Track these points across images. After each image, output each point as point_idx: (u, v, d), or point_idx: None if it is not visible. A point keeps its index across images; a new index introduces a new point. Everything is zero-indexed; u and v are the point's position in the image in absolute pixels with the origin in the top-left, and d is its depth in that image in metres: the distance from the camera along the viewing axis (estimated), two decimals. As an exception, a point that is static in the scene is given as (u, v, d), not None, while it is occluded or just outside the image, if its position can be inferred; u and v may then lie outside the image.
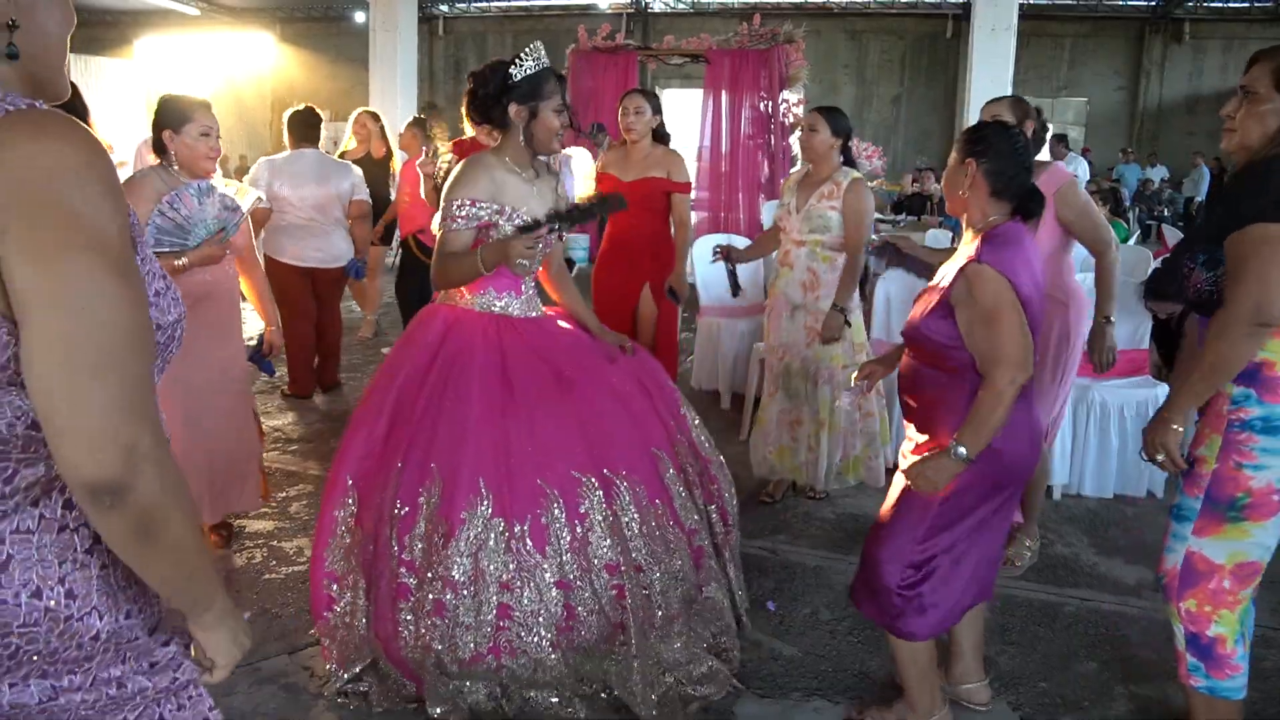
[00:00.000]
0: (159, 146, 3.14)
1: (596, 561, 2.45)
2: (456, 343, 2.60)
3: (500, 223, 2.62)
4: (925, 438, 2.32)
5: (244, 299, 3.57)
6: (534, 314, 2.76)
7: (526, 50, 2.63)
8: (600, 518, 2.47)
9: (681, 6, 18.29)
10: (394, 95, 10.70)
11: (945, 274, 2.30)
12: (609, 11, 18.38)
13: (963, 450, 2.12)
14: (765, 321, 4.12)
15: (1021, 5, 8.99)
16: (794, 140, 10.91)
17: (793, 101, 10.59)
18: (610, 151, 4.52)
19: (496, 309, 2.67)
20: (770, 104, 10.65)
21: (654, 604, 2.54)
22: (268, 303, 3.57)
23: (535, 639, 2.37)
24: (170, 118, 3.10)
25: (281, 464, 4.37)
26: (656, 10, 18.49)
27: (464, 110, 2.71)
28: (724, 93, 10.86)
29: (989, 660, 2.77)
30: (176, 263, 2.99)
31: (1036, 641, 3.00)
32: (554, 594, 2.39)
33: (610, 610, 2.46)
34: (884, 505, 2.41)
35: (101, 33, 21.09)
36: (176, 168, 3.12)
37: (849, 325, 3.82)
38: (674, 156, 4.33)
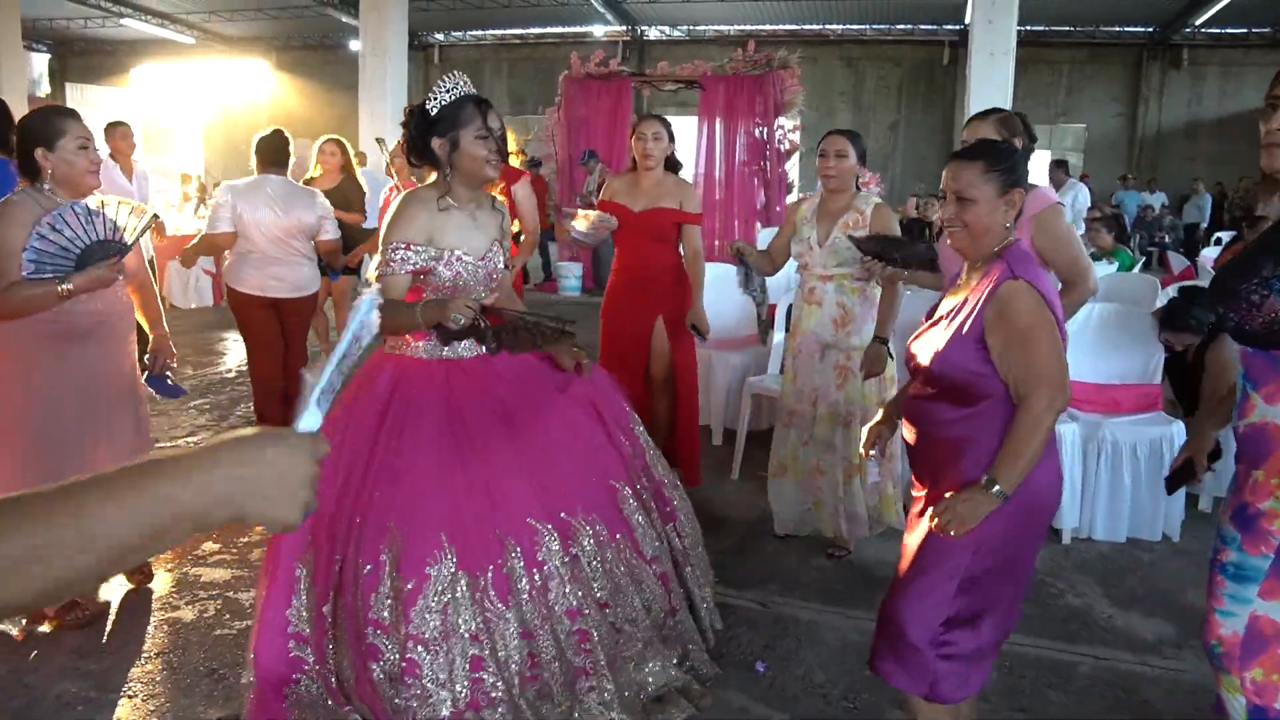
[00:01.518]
0: (29, 168, 2.91)
1: (557, 608, 2.38)
2: (406, 395, 2.47)
3: (438, 268, 2.48)
4: (935, 485, 2.12)
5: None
6: (481, 352, 2.59)
7: (442, 80, 2.49)
8: (558, 564, 2.40)
9: (677, 34, 18.24)
10: (384, 120, 10.56)
11: (957, 302, 2.12)
12: (605, 39, 18.34)
13: (999, 486, 1.94)
14: (788, 364, 3.83)
15: (1019, 31, 8.87)
16: (789, 167, 10.85)
17: (788, 128, 10.49)
18: (617, 180, 4.35)
19: (444, 353, 2.54)
20: (766, 130, 10.54)
21: (624, 636, 2.50)
22: (158, 322, 3.37)
23: (506, 687, 2.29)
24: (39, 135, 2.88)
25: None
26: (652, 38, 18.45)
27: (404, 157, 2.57)
28: (718, 119, 10.75)
29: (998, 729, 2.53)
30: (60, 288, 2.78)
31: (1049, 705, 2.76)
32: (517, 643, 2.32)
33: (573, 655, 2.39)
34: (904, 557, 2.18)
35: (98, 62, 21.07)
36: (50, 187, 2.90)
37: (891, 358, 3.60)
38: (686, 187, 4.20)
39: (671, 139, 4.17)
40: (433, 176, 2.58)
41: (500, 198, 2.72)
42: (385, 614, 2.28)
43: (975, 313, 2.04)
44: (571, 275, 11.76)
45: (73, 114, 3.00)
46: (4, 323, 2.93)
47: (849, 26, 17.13)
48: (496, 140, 2.48)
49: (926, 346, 2.14)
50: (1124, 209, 14.46)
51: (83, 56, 21.32)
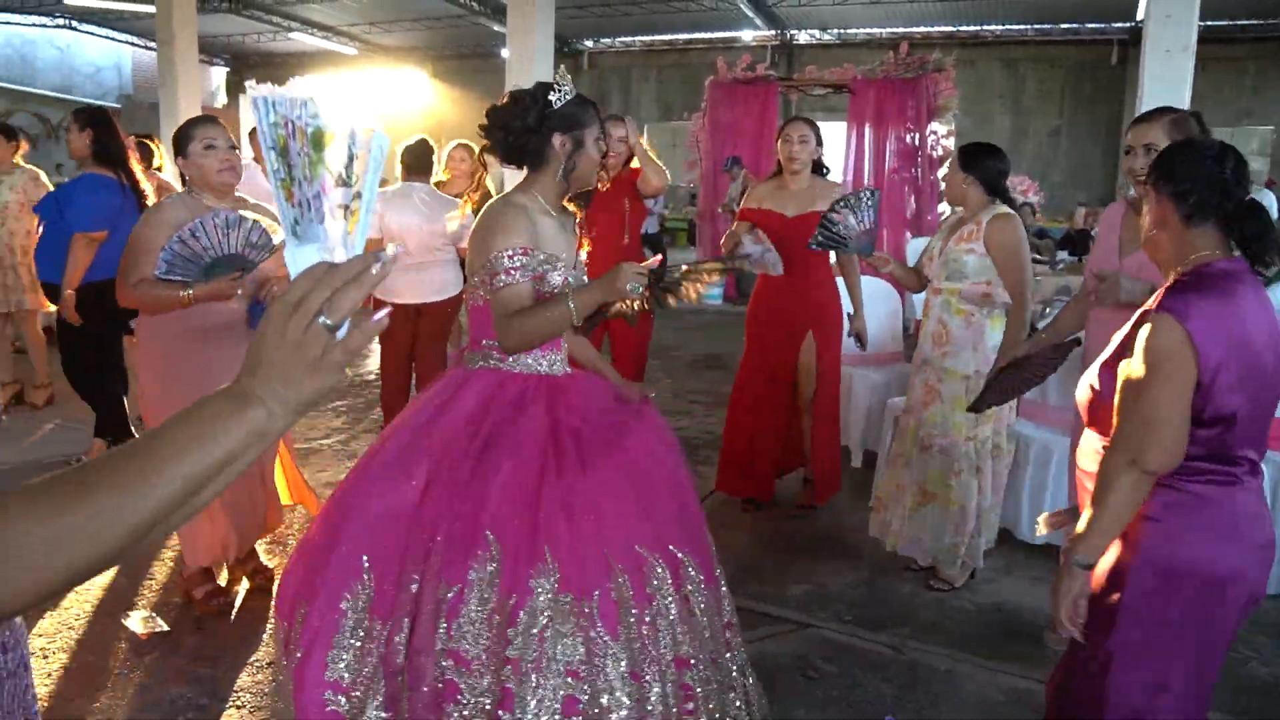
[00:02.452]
0: (182, 177, 3.15)
1: (666, 653, 2.07)
2: (503, 408, 2.24)
3: (550, 274, 2.27)
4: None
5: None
6: (568, 370, 2.42)
7: (559, 76, 2.31)
8: (669, 602, 2.10)
9: (828, 38, 17.80)
10: (529, 129, 10.64)
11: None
12: (753, 44, 18.08)
13: (1077, 554, 1.74)
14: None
15: (1200, 25, 8.18)
16: (942, 174, 10.36)
17: (941, 133, 10.02)
18: (762, 185, 4.23)
19: (542, 369, 2.33)
20: (917, 136, 10.11)
21: (716, 701, 2.16)
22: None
23: None
24: (177, 146, 3.08)
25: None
26: (802, 42, 18.08)
27: (487, 149, 2.37)
28: (868, 124, 10.37)
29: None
30: (183, 293, 2.89)
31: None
32: (623, 684, 2.00)
33: (675, 712, 2.07)
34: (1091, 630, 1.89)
35: (269, 74, 22.22)
36: (192, 193, 3.09)
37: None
38: (837, 189, 4.01)
39: (819, 142, 4.00)
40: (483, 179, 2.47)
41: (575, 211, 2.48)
42: (469, 645, 1.98)
43: (1122, 339, 1.81)
44: (714, 284, 11.57)
45: (203, 120, 3.11)
46: (149, 319, 3.09)
47: (1009, 27, 16.31)
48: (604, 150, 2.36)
49: (1105, 378, 1.88)
50: (1316, 219, 13.23)
51: (256, 69, 22.54)
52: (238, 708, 2.68)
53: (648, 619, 2.07)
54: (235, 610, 3.24)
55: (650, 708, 2.02)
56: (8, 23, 17.96)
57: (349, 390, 6.47)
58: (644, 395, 2.50)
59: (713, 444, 5.09)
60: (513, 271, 2.21)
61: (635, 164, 4.43)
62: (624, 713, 1.99)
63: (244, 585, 3.38)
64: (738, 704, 2.23)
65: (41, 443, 5.16)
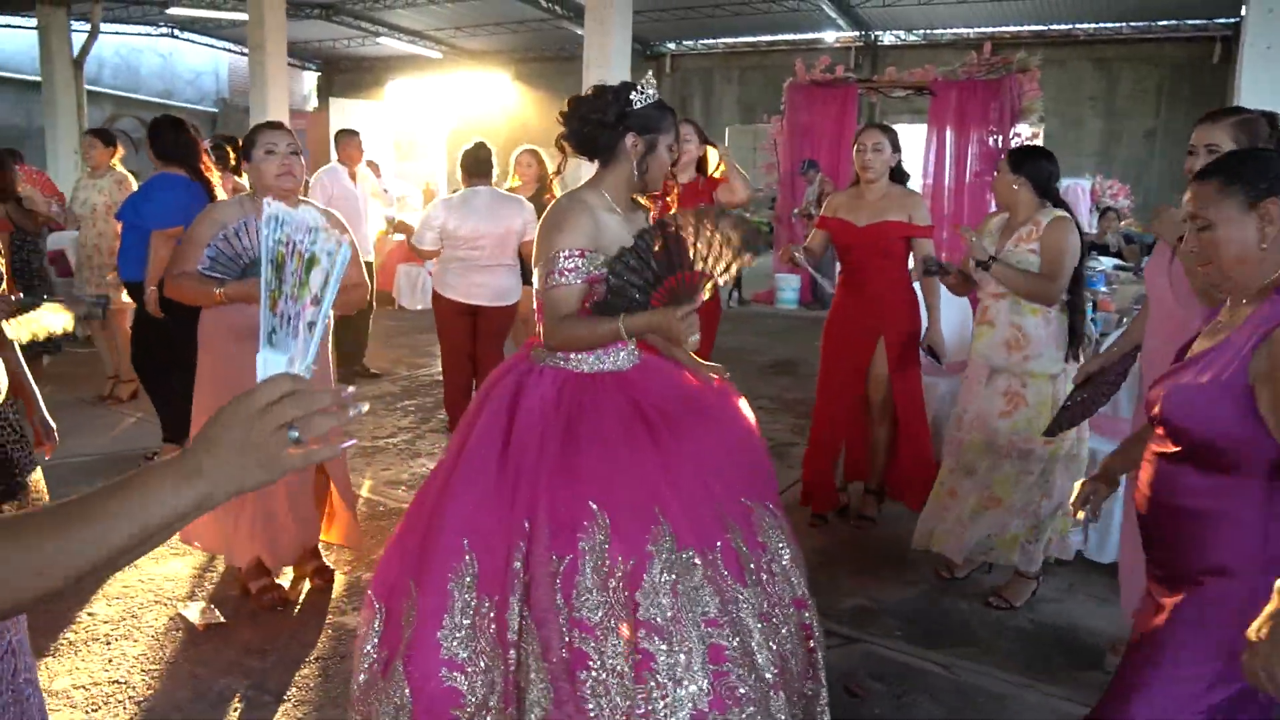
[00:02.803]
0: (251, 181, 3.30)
1: (785, 594, 2.20)
2: (575, 396, 2.24)
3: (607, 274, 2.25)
4: (1169, 571, 1.73)
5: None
6: (637, 360, 2.40)
7: (646, 81, 2.33)
8: (780, 545, 2.24)
9: (913, 39, 17.49)
10: (605, 131, 10.70)
11: (1215, 344, 1.68)
12: (836, 46, 17.87)
13: None
14: (961, 388, 3.64)
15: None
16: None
17: (1026, 136, 9.73)
18: (841, 193, 4.20)
19: (606, 367, 2.31)
20: (1000, 138, 9.83)
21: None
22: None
23: (754, 682, 2.01)
24: (244, 151, 3.20)
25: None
26: (886, 44, 17.79)
27: (564, 138, 2.36)
28: (948, 127, 10.13)
29: None
30: (217, 291, 3.01)
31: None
32: (760, 627, 2.09)
33: (803, 650, 2.22)
34: (1133, 648, 1.79)
35: (357, 78, 22.82)
36: (253, 196, 3.22)
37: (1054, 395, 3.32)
38: (913, 197, 3.99)
39: (895, 149, 3.92)
40: (560, 175, 2.49)
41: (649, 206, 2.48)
42: (591, 612, 1.98)
43: (1239, 359, 1.61)
44: (789, 288, 11.49)
45: (267, 126, 3.20)
46: (206, 316, 3.23)
47: (1102, 25, 15.77)
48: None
49: (1173, 394, 1.70)
50: None
51: (345, 73, 23.15)
52: (282, 700, 2.73)
53: (765, 564, 2.18)
54: (297, 608, 3.31)
55: (786, 649, 2.14)
56: (115, 32, 18.75)
57: (417, 390, 6.58)
58: (720, 375, 2.49)
59: (774, 450, 5.03)
60: (567, 273, 2.20)
61: (714, 173, 4.39)
62: (766, 654, 2.07)
63: (306, 586, 3.45)
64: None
65: (122, 437, 5.36)
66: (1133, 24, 15.61)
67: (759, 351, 8.43)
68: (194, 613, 3.22)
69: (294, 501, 3.25)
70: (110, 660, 2.93)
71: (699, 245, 2.17)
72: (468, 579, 2.08)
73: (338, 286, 0.95)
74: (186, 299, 3.14)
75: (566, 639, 1.98)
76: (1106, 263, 7.78)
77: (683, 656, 1.94)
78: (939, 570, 3.68)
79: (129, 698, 2.73)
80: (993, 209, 10.60)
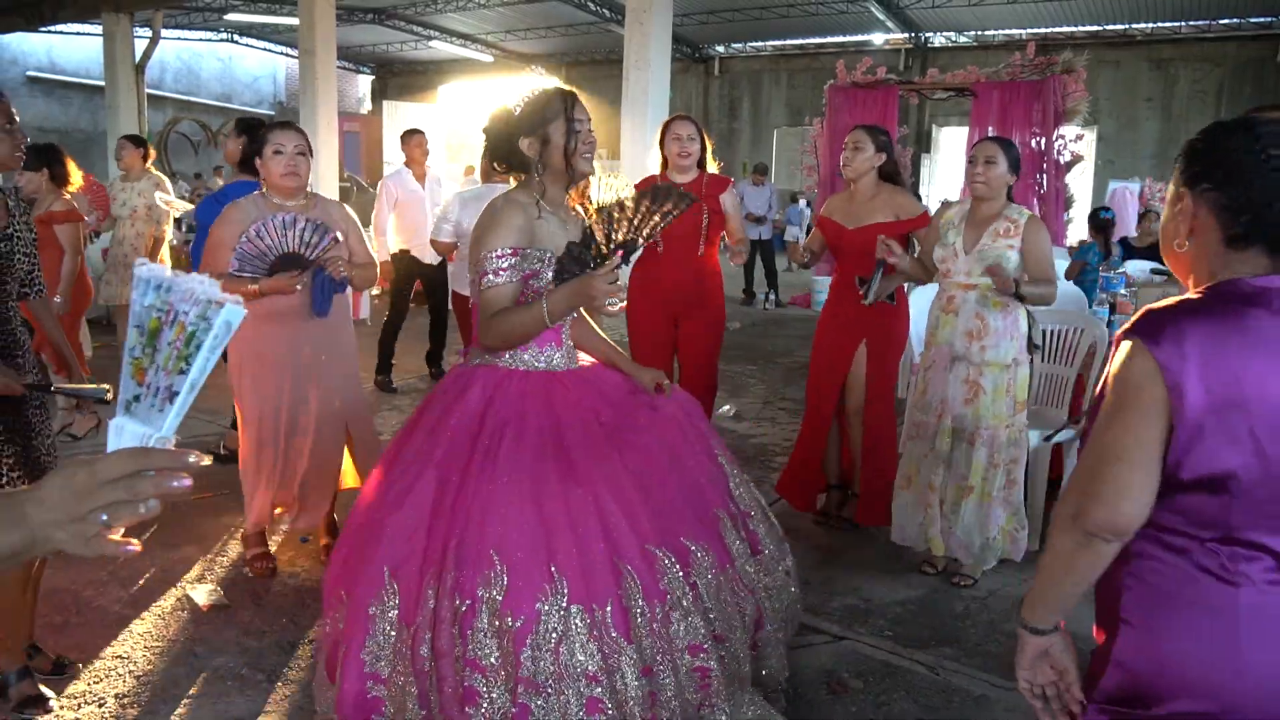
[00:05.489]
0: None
1: (679, 642, 2.21)
2: (503, 409, 2.30)
3: (545, 272, 2.32)
4: (1099, 632, 1.55)
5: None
6: (574, 364, 2.47)
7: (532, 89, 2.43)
8: (680, 593, 2.23)
9: (963, 40, 17.29)
10: (644, 133, 10.75)
11: None
12: (885, 48, 17.74)
13: (1025, 619, 1.48)
14: (920, 375, 3.70)
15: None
16: (1070, 179, 9.91)
17: (1070, 137, 9.58)
18: (837, 196, 4.18)
19: (540, 365, 2.39)
20: (1044, 140, 9.69)
21: (729, 674, 2.32)
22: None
23: None
24: (257, 149, 3.31)
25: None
26: (936, 45, 17.61)
27: (490, 164, 2.47)
28: (990, 128, 10.01)
29: None
30: (251, 287, 3.15)
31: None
32: (639, 682, 2.12)
33: (692, 693, 2.22)
34: None
35: (411, 81, 23.20)
36: (264, 194, 3.33)
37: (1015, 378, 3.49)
38: (900, 194, 3.96)
39: (880, 149, 3.89)
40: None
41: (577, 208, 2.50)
42: (485, 654, 2.09)
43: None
44: (825, 288, 11.42)
45: (278, 126, 3.35)
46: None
47: (1159, 24, 15.42)
48: (588, 132, 2.36)
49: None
50: None
51: (399, 76, 23.55)
52: (271, 680, 2.83)
53: (659, 613, 2.19)
54: (298, 589, 3.43)
55: (663, 693, 2.16)
56: (177, 38, 19.33)
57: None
58: (657, 383, 2.53)
59: (785, 452, 5.04)
60: (501, 272, 2.27)
61: (714, 169, 4.39)
62: (637, 705, 2.10)
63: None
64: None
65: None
66: (1191, 22, 15.23)
67: (789, 354, 8.43)
68: (201, 594, 3.34)
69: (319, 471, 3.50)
70: (116, 635, 3.06)
71: (634, 220, 2.24)
72: (389, 608, 2.20)
73: (217, 352, 0.90)
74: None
75: (459, 675, 2.09)
76: (1143, 266, 7.60)
77: (557, 714, 2.04)
78: (922, 567, 3.70)
79: (129, 671, 2.85)
80: (1036, 212, 10.44)
